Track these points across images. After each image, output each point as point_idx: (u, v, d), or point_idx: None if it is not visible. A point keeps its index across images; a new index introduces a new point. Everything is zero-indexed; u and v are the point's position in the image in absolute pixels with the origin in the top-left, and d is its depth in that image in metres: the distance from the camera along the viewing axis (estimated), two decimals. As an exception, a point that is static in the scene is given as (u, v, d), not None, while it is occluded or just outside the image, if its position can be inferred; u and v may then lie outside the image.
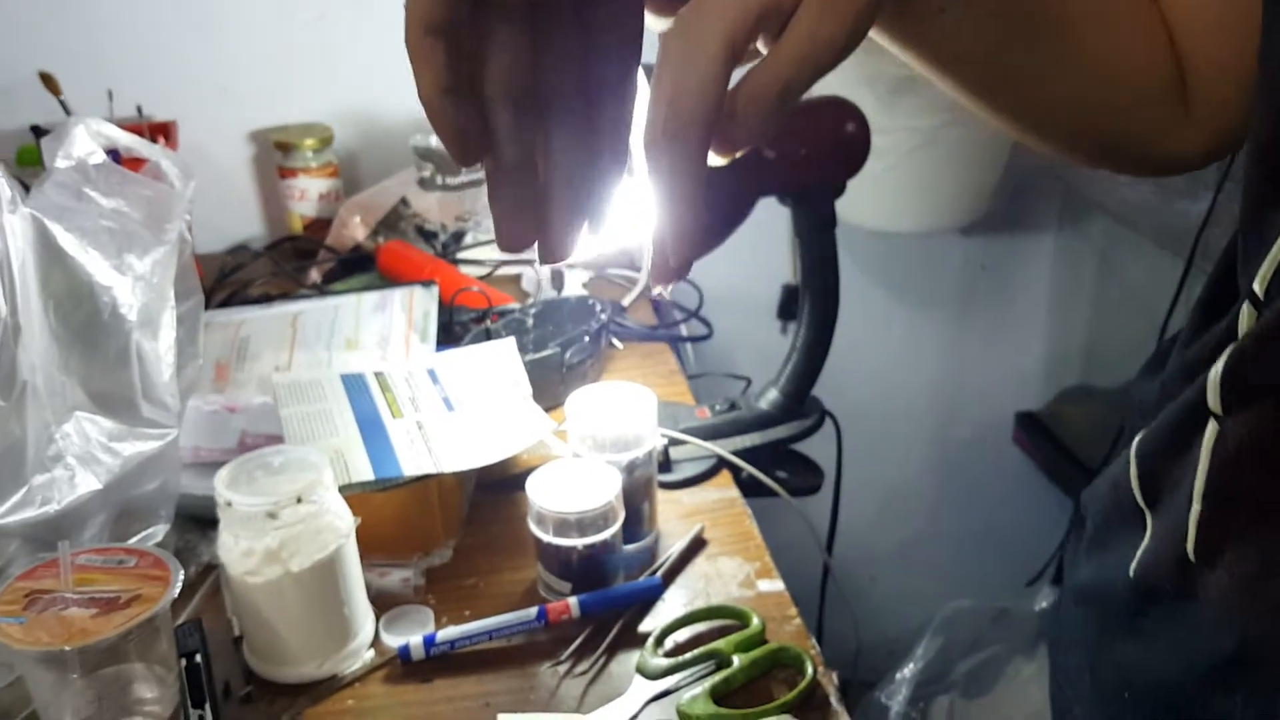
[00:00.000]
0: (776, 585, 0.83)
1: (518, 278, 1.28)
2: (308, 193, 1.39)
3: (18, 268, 0.66)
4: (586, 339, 1.06)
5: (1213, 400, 0.45)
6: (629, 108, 0.42)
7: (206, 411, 0.98)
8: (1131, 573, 0.52)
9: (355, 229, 1.33)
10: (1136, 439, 0.53)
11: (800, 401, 1.00)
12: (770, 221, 0.91)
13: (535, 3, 0.40)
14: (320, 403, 0.91)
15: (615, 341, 1.16)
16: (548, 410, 0.94)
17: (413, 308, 1.14)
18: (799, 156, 0.90)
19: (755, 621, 0.76)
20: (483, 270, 1.30)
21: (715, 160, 0.41)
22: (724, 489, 0.95)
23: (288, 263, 1.34)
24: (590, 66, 0.41)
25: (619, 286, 1.29)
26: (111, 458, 0.76)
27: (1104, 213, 1.57)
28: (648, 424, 0.85)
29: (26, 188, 0.75)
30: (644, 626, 0.79)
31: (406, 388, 0.94)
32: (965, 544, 1.83)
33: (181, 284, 0.85)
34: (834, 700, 0.72)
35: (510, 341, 1.00)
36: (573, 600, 0.77)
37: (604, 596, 0.79)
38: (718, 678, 0.72)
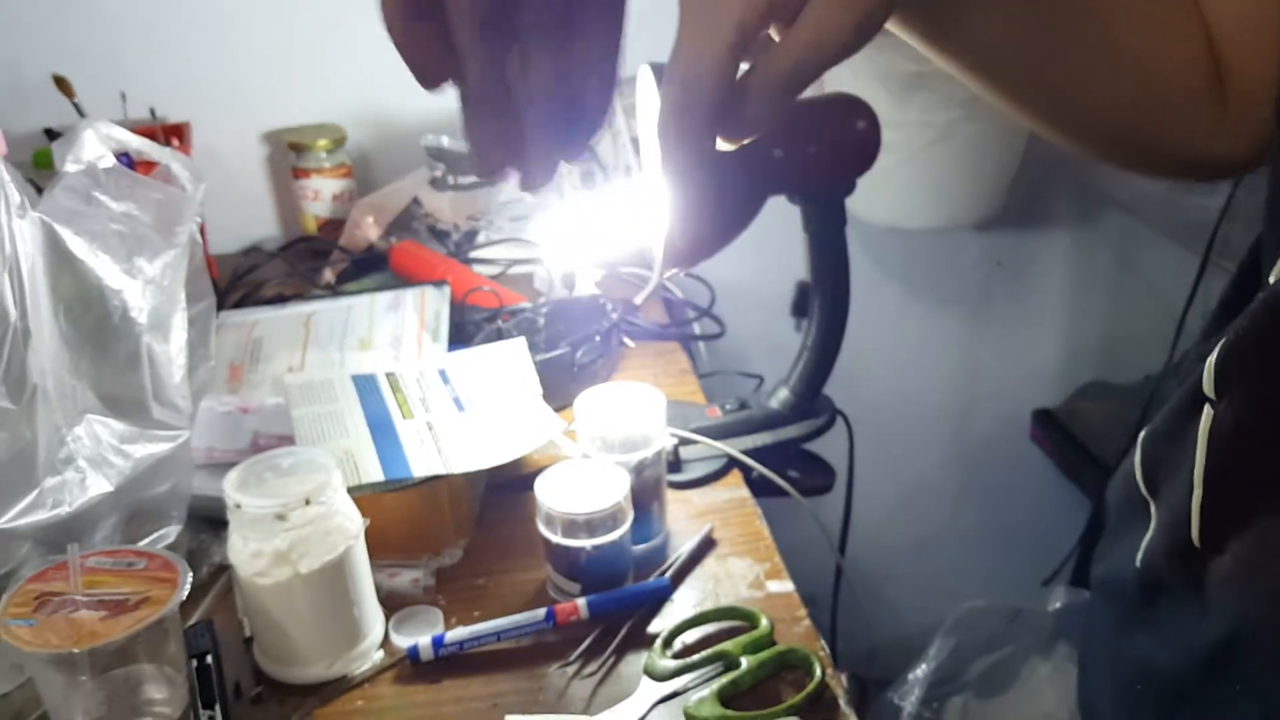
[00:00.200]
0: (786, 586, 0.82)
1: (530, 277, 1.28)
2: (321, 193, 1.40)
3: (27, 272, 0.66)
4: (597, 338, 1.06)
5: (1208, 385, 0.46)
6: (614, 34, 0.40)
7: (220, 412, 0.98)
8: (1138, 563, 0.52)
9: (368, 229, 1.33)
10: (1144, 430, 0.53)
11: (811, 400, 1.00)
12: (784, 218, 0.91)
13: None
14: (331, 404, 0.92)
15: (627, 340, 1.16)
16: (559, 410, 0.94)
17: (425, 308, 1.15)
18: (808, 154, 0.89)
19: (764, 623, 0.76)
20: (495, 270, 1.30)
21: (723, 146, 0.41)
22: (734, 489, 0.94)
23: (301, 263, 1.35)
24: None
25: (631, 285, 1.29)
26: (122, 460, 0.76)
27: (1120, 208, 1.56)
28: (657, 424, 0.85)
29: (41, 191, 0.76)
30: (653, 627, 0.79)
31: (417, 388, 0.95)
32: (982, 542, 1.82)
33: (193, 286, 0.86)
34: (843, 702, 0.71)
35: (521, 341, 1.00)
36: (581, 601, 0.77)
37: (613, 597, 0.79)
38: (725, 679, 0.72)
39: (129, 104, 1.27)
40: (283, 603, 0.72)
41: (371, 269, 1.31)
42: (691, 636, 0.77)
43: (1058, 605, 1.14)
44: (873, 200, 1.45)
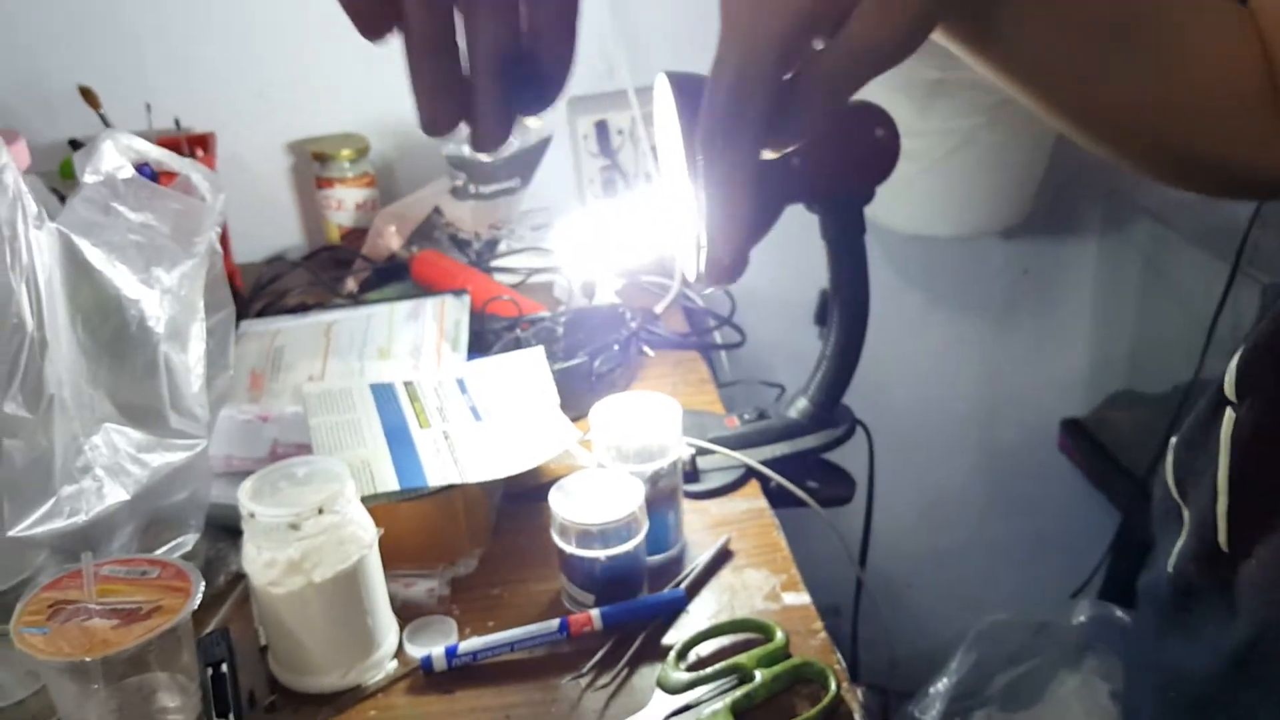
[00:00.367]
0: (802, 598, 0.82)
1: (551, 285, 1.28)
2: (345, 203, 1.41)
3: (44, 283, 0.67)
4: (615, 347, 1.06)
5: (1229, 387, 0.45)
6: None
7: (240, 421, 0.99)
8: (1171, 568, 0.52)
9: (390, 238, 1.34)
10: (1175, 435, 0.52)
11: (830, 410, 0.99)
12: (806, 224, 0.90)
13: None
14: (349, 412, 0.92)
15: (646, 349, 1.16)
16: (576, 419, 0.93)
17: (444, 317, 1.15)
18: (826, 163, 0.88)
19: (779, 635, 0.75)
20: (516, 279, 1.30)
21: (767, 155, 0.40)
22: (752, 499, 0.94)
23: (324, 272, 1.35)
24: None
25: (652, 294, 1.29)
26: (140, 468, 0.76)
27: (1149, 215, 1.54)
28: (672, 434, 0.84)
29: (65, 200, 0.77)
30: (667, 639, 0.78)
31: (435, 397, 0.95)
32: (1008, 553, 1.80)
33: (212, 295, 0.86)
34: (858, 717, 0.71)
35: (539, 350, 1.00)
36: (594, 612, 0.77)
37: (626, 608, 0.78)
38: (739, 693, 0.71)
39: (154, 114, 1.29)
40: (296, 612, 0.72)
41: (393, 278, 1.31)
42: (706, 649, 0.77)
43: (1082, 619, 1.12)
44: (895, 208, 1.44)
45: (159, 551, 0.79)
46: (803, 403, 0.99)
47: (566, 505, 0.78)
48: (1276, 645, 0.45)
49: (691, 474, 0.95)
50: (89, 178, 0.74)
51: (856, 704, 0.71)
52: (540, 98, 0.39)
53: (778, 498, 0.95)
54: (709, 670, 0.73)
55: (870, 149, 0.88)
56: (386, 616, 0.78)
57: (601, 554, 0.78)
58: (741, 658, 0.74)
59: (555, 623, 0.76)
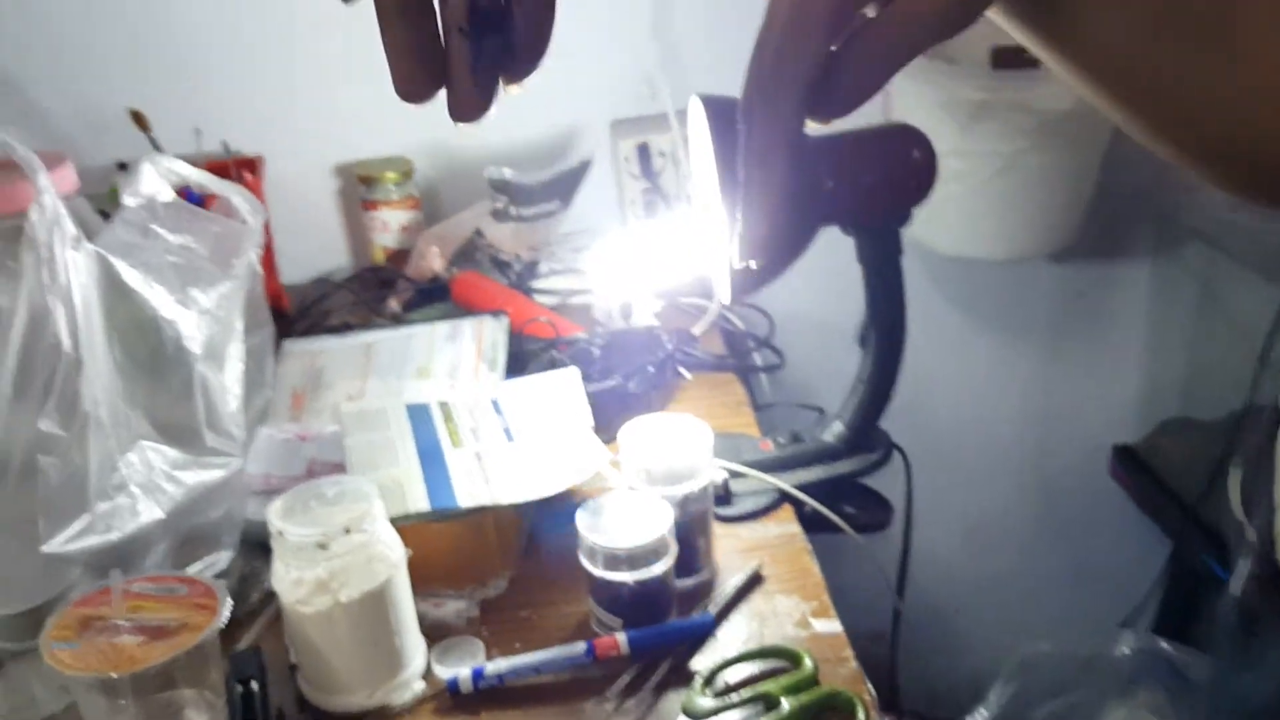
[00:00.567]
0: (834, 626, 0.80)
1: (590, 307, 1.29)
2: (390, 224, 1.42)
3: (81, 303, 0.68)
4: (650, 369, 1.06)
5: None
6: None
7: (279, 440, 1.00)
8: (1236, 591, 0.50)
9: (433, 260, 1.35)
10: (1238, 455, 0.50)
11: (866, 434, 0.98)
12: (847, 244, 0.89)
13: None
14: (384, 432, 0.93)
15: (683, 371, 1.16)
16: (609, 441, 0.93)
17: (482, 338, 1.16)
18: (861, 185, 0.87)
19: (808, 663, 0.74)
20: (555, 300, 1.31)
21: (811, 125, 0.39)
22: (785, 524, 0.93)
23: (368, 293, 1.37)
24: None
25: (690, 315, 1.28)
26: (175, 486, 0.78)
27: (1202, 238, 1.51)
28: (703, 457, 0.84)
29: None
30: (694, 664, 0.78)
31: (469, 418, 0.95)
32: (1057, 582, 1.77)
33: (251, 316, 0.88)
34: (886, 747, 0.69)
35: (574, 371, 1.00)
36: (621, 636, 0.77)
37: (654, 633, 0.78)
38: (765, 720, 0.70)
39: (204, 138, 1.31)
40: (323, 631, 0.73)
41: (435, 299, 1.32)
42: (733, 675, 0.76)
43: (1126, 651, 1.09)
44: (939, 230, 1.42)
45: (193, 569, 0.80)
46: (838, 426, 0.98)
47: (594, 528, 0.78)
48: None
49: (724, 497, 0.94)
50: (129, 200, 0.76)
51: (885, 735, 0.70)
52: (520, 60, 0.37)
53: (812, 523, 0.94)
54: (736, 697, 0.72)
55: (906, 171, 0.87)
56: (414, 637, 0.78)
57: (629, 578, 0.77)
58: (769, 685, 0.73)
59: (581, 646, 0.76)
